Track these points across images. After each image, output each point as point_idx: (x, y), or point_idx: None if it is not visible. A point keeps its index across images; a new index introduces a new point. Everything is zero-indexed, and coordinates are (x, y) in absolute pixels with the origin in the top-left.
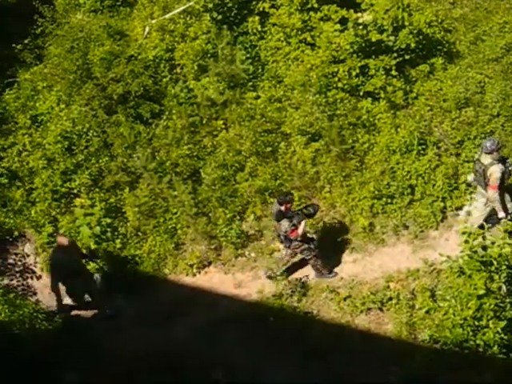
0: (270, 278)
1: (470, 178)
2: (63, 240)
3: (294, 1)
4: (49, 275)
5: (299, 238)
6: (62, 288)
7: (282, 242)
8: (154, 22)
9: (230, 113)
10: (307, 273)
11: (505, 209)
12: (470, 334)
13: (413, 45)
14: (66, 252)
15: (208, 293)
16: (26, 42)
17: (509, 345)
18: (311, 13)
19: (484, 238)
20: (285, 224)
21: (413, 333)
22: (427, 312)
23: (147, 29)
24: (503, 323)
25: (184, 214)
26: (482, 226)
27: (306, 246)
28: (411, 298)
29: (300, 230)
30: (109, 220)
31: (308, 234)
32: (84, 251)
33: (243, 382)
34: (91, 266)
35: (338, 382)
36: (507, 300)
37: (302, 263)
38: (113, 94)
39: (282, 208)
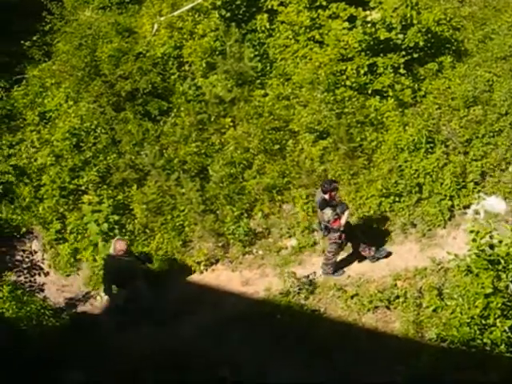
0: (327, 275)
1: None
2: (122, 244)
3: None
4: (104, 280)
5: (341, 228)
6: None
7: (321, 230)
8: (162, 19)
9: (238, 110)
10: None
11: None
12: (477, 332)
13: (421, 43)
14: (125, 256)
15: (215, 290)
16: (34, 38)
17: None
18: (320, 11)
19: (491, 236)
20: (328, 212)
21: (420, 331)
22: (434, 310)
23: (156, 26)
24: (510, 322)
25: (192, 211)
26: None
27: (340, 241)
28: (418, 297)
29: (343, 220)
30: (116, 217)
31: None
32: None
33: (250, 380)
34: None
35: (344, 381)
36: None
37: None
38: (121, 91)
39: (326, 196)
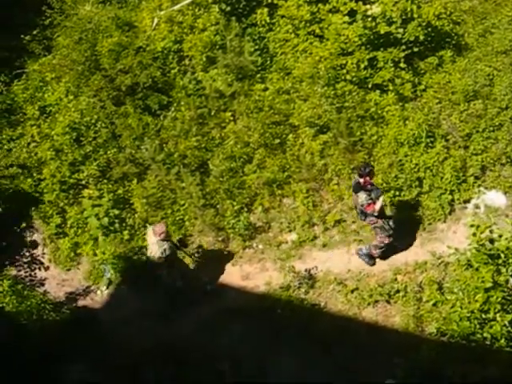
0: (361, 257)
1: None
2: (162, 226)
3: None
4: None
5: (375, 214)
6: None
7: (358, 215)
8: (162, 13)
9: (239, 104)
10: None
11: None
12: (477, 326)
13: (421, 37)
14: (167, 239)
15: (215, 284)
16: (34, 33)
17: None
18: (320, 5)
19: (492, 231)
20: (362, 196)
21: (420, 325)
22: (434, 305)
23: (156, 20)
24: (510, 316)
25: (192, 205)
26: None
27: (381, 223)
28: (418, 291)
29: (377, 206)
30: (117, 211)
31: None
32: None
33: (249, 375)
34: None
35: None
36: None
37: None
38: (121, 85)
39: (361, 180)
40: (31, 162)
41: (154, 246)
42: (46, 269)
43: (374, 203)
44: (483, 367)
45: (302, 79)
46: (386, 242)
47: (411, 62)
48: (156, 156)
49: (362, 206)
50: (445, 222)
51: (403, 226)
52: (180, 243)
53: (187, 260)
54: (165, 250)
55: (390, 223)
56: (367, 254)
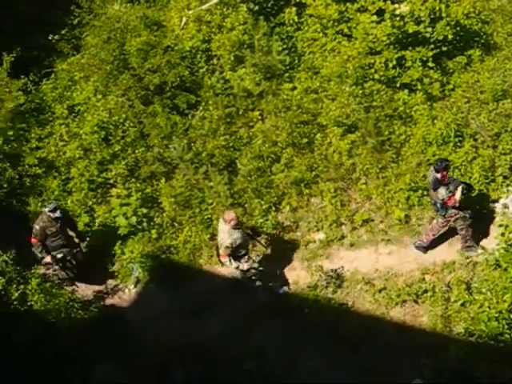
0: (417, 248)
1: None
2: (232, 214)
3: None
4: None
5: (457, 205)
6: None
7: (437, 211)
8: (190, 12)
9: (267, 104)
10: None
11: None
12: (506, 327)
13: (450, 36)
14: (238, 227)
15: (242, 283)
16: (63, 32)
17: None
18: (348, 4)
19: None
20: (442, 191)
21: (448, 325)
22: (462, 305)
23: (184, 19)
24: None
25: (220, 204)
26: None
27: (462, 214)
28: (446, 291)
29: (457, 196)
30: (145, 210)
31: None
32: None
33: (276, 374)
34: None
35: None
36: None
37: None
38: (149, 84)
39: (439, 175)
40: (59, 160)
41: (225, 235)
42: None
43: (454, 194)
44: (511, 367)
45: (330, 78)
46: (470, 233)
47: (439, 61)
48: (184, 155)
49: (442, 200)
50: None
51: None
52: (252, 232)
53: (259, 249)
54: (236, 239)
55: (469, 212)
56: (425, 246)
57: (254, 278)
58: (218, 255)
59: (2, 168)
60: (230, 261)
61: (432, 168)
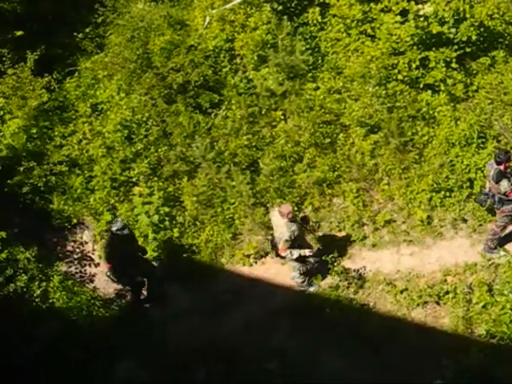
0: (489, 251)
1: None
2: (288, 207)
3: None
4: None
5: None
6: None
7: (494, 204)
8: (214, 12)
9: (289, 104)
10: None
11: None
12: None
13: (474, 37)
14: (293, 220)
15: (264, 283)
16: (87, 30)
17: None
18: (372, 4)
19: None
20: (504, 184)
21: (469, 327)
22: (484, 306)
23: (207, 19)
24: None
25: (242, 204)
26: None
27: None
28: (468, 292)
29: None
30: (167, 209)
31: None
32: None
33: (297, 373)
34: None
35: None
36: None
37: None
38: (172, 83)
39: (501, 167)
40: (82, 158)
41: (283, 228)
42: (96, 265)
43: None
44: None
45: (353, 79)
46: (502, 234)
47: (463, 63)
48: (206, 154)
49: (504, 194)
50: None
51: (453, 227)
52: (302, 221)
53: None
54: (294, 231)
55: None
56: (494, 247)
57: (315, 265)
58: (277, 251)
59: (29, 166)
60: (290, 253)
61: (491, 161)
